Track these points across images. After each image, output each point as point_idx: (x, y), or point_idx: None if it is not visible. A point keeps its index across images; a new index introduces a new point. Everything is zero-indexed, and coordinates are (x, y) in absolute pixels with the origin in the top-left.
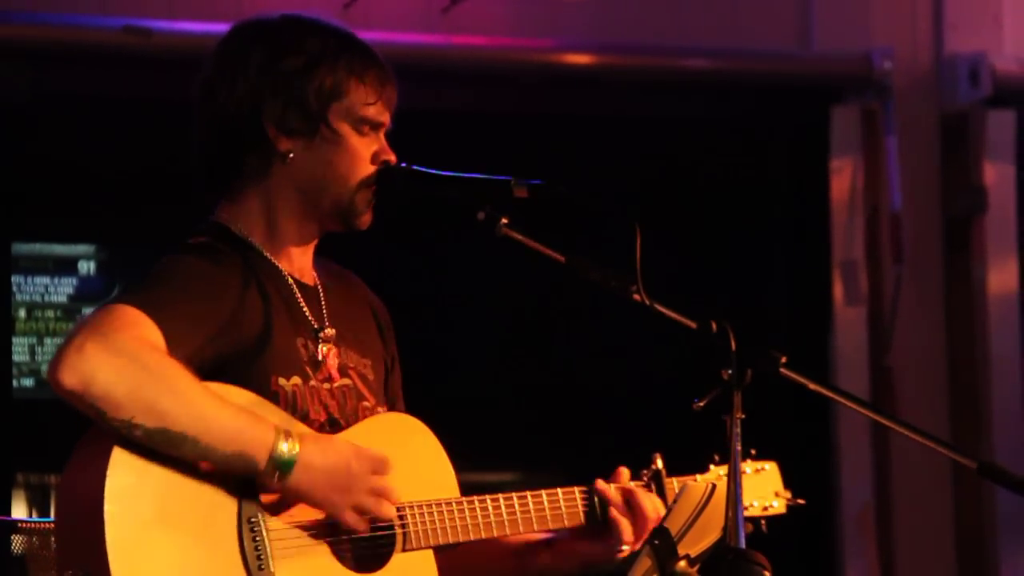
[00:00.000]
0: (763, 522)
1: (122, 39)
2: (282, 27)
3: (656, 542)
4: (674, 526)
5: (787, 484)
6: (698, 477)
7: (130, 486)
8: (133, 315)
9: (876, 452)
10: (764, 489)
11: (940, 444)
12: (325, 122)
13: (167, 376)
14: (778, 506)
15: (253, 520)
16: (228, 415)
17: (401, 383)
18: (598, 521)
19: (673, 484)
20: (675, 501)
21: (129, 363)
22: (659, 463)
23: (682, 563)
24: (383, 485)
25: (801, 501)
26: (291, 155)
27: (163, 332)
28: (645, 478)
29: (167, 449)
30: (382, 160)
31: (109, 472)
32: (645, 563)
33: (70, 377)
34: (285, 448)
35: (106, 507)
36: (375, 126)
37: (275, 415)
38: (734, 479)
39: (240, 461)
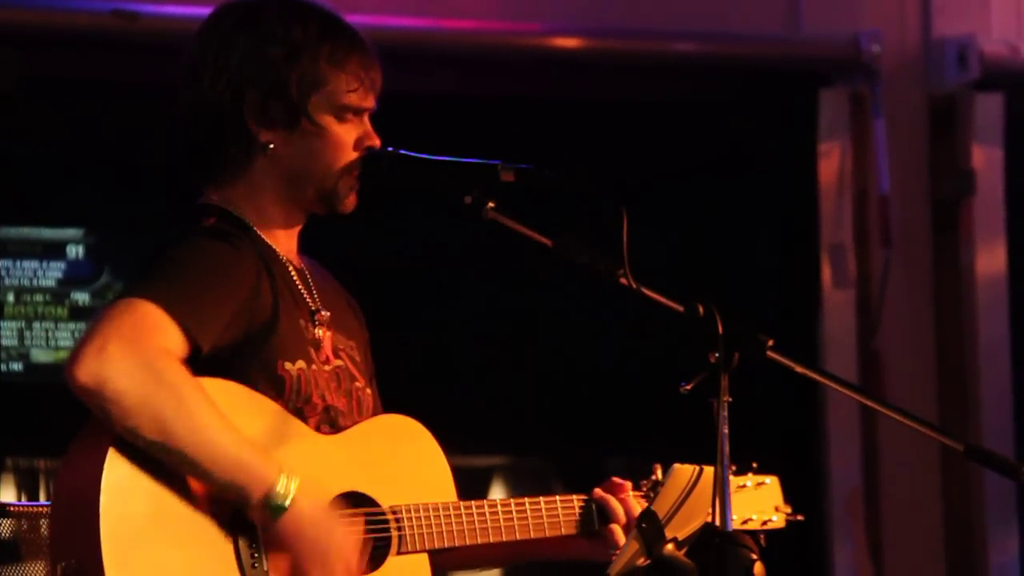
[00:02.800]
0: (762, 536)
1: (108, 22)
2: (265, 12)
3: (643, 525)
4: (661, 509)
5: (776, 469)
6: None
7: (126, 480)
8: (155, 316)
9: (864, 435)
10: (765, 503)
11: (928, 427)
12: (305, 113)
13: (179, 394)
14: (777, 520)
15: (249, 518)
16: (232, 445)
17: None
18: (594, 530)
19: None
20: (662, 484)
21: (145, 374)
22: (659, 473)
23: (669, 546)
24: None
25: (800, 517)
26: (272, 146)
27: (184, 329)
28: (644, 488)
29: (164, 461)
30: (366, 145)
31: (106, 466)
32: (633, 546)
33: (85, 375)
34: (281, 491)
35: (101, 499)
36: (358, 112)
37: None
38: (721, 461)
39: (234, 491)
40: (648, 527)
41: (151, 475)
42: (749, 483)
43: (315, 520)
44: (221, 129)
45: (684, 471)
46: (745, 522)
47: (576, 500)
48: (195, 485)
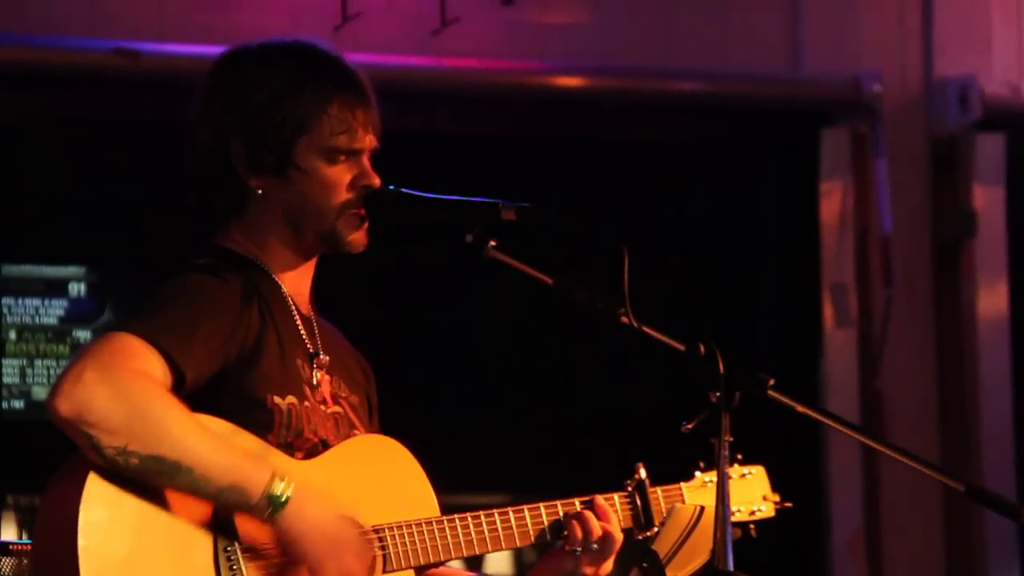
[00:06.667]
0: (752, 527)
1: (110, 61)
2: (249, 58)
3: (644, 564)
4: (662, 548)
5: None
6: (683, 485)
7: (104, 519)
8: (133, 345)
9: (866, 476)
10: (751, 494)
11: (929, 467)
12: (291, 158)
13: (162, 407)
14: (766, 510)
15: (229, 549)
16: (223, 449)
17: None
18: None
19: (657, 493)
20: (663, 523)
21: (125, 392)
22: (642, 473)
23: None
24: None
25: (788, 504)
26: (261, 192)
27: (166, 359)
28: (629, 487)
29: (160, 479)
30: (362, 185)
31: (83, 506)
32: None
33: (66, 405)
34: (280, 486)
35: (80, 541)
36: (351, 153)
37: (253, 445)
38: (722, 501)
39: (233, 494)
40: (649, 566)
41: (128, 512)
42: (733, 475)
43: (321, 509)
44: (213, 179)
45: (685, 510)
46: (730, 515)
47: (560, 506)
48: (173, 518)
